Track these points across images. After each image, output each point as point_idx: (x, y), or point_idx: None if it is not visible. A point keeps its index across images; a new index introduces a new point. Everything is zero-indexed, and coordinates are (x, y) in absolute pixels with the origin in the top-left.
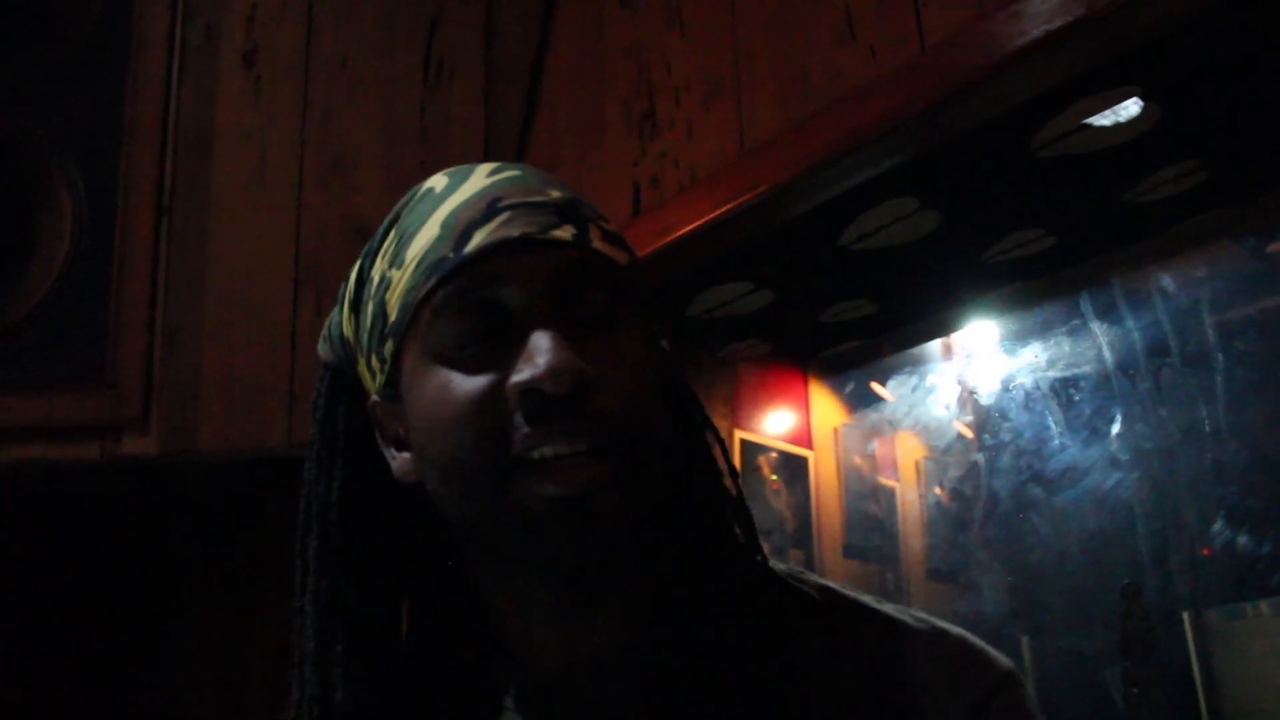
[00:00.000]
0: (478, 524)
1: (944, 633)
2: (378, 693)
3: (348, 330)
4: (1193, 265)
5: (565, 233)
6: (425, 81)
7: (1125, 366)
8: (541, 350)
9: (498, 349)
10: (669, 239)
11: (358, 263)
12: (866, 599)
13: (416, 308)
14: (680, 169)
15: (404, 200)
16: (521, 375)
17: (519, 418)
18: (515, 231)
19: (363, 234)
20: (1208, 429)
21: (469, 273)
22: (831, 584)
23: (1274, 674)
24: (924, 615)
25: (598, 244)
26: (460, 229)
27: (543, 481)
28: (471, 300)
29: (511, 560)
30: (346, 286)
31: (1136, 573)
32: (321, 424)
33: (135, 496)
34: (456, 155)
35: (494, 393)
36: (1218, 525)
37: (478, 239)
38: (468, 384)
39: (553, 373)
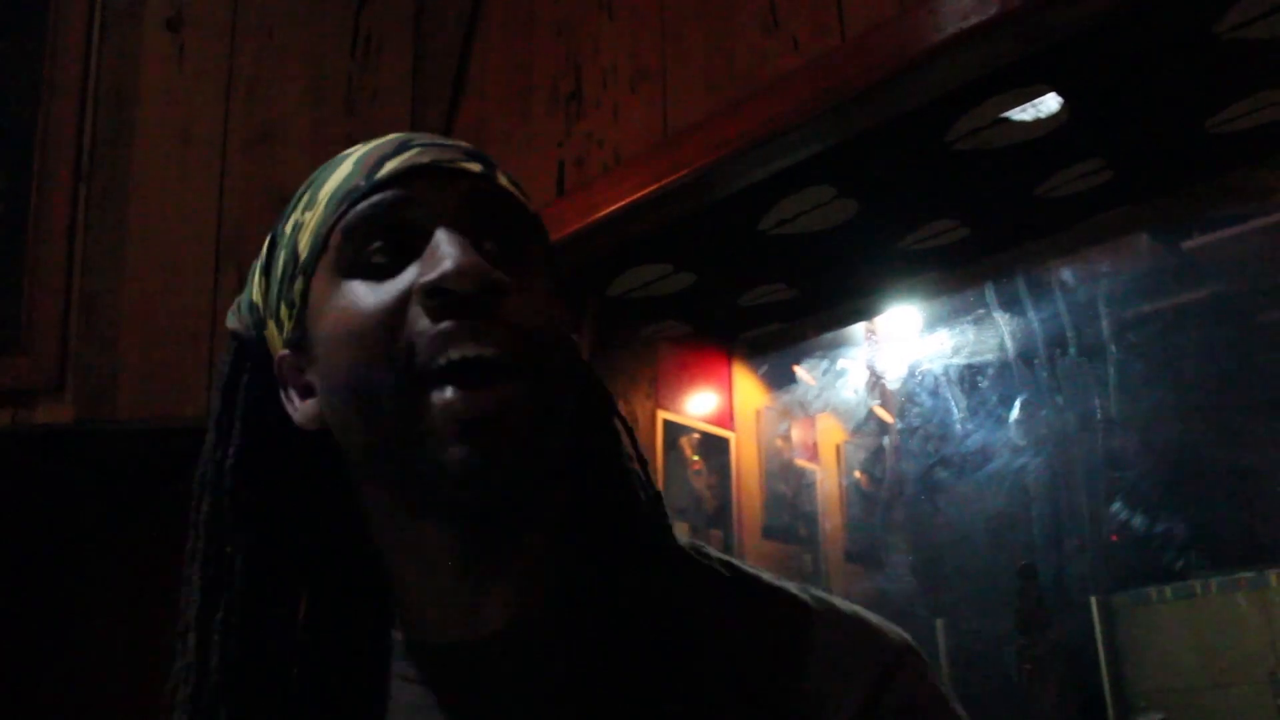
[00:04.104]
0: (382, 451)
1: (839, 611)
2: (258, 663)
3: (256, 295)
4: (1093, 260)
5: (474, 166)
6: (353, 53)
7: (1026, 355)
8: (448, 252)
9: (406, 262)
10: (592, 219)
11: (268, 236)
12: (766, 575)
13: (327, 235)
14: (605, 150)
15: (315, 171)
16: (428, 275)
17: (425, 322)
18: (426, 159)
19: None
20: (1100, 417)
21: (379, 196)
22: (733, 560)
23: (1174, 655)
24: (821, 593)
25: (504, 183)
26: (371, 162)
27: (449, 401)
28: (381, 219)
29: (414, 497)
30: (257, 260)
31: (1035, 555)
32: (224, 391)
33: (48, 465)
34: (383, 127)
35: (401, 299)
36: (1114, 507)
37: (389, 167)
38: (375, 293)
39: (459, 269)
